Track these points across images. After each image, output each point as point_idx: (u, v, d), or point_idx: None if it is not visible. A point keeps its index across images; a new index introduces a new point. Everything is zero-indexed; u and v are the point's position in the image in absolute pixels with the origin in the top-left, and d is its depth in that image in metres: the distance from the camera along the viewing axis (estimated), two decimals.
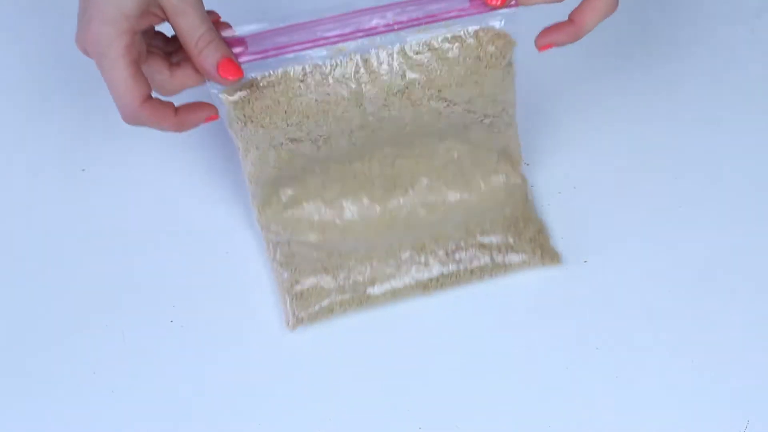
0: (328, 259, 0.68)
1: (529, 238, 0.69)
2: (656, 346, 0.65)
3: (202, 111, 0.60)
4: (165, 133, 0.59)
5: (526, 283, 0.69)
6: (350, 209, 0.69)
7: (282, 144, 0.63)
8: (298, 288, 0.67)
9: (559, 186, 0.75)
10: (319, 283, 0.67)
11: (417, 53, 0.61)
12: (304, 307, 0.67)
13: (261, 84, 0.60)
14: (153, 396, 0.63)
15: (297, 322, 0.67)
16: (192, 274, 0.70)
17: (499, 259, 0.69)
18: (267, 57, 0.59)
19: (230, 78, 0.57)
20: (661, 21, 0.90)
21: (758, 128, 0.80)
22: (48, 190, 0.76)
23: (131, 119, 0.57)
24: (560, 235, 0.72)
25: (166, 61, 0.59)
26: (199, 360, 0.65)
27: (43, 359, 0.65)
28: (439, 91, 0.62)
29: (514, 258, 0.69)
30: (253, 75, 0.60)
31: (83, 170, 0.77)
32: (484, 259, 0.68)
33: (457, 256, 0.68)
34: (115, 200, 0.75)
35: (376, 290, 0.68)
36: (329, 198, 0.69)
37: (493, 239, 0.69)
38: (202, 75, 0.58)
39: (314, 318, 0.67)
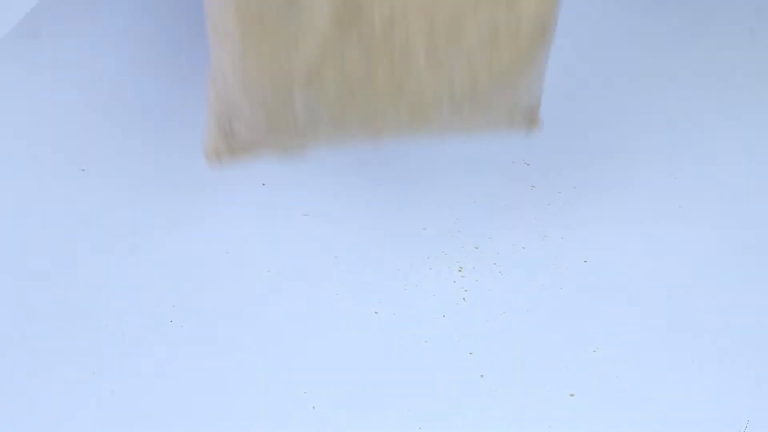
0: None
1: None
2: (656, 346, 0.65)
3: None
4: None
5: (525, 280, 0.69)
6: None
7: None
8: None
9: (559, 186, 0.75)
10: None
11: None
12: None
13: None
14: (153, 396, 0.63)
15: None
16: (192, 273, 0.70)
17: None
18: None
19: None
20: (660, 21, 0.90)
21: (758, 128, 0.80)
22: (48, 190, 0.76)
23: None
24: (560, 235, 0.72)
25: None
26: (199, 360, 0.65)
27: (43, 359, 0.65)
28: None
29: None
30: None
31: (83, 170, 0.77)
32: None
33: None
34: (115, 200, 0.75)
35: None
36: None
37: None
38: None
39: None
